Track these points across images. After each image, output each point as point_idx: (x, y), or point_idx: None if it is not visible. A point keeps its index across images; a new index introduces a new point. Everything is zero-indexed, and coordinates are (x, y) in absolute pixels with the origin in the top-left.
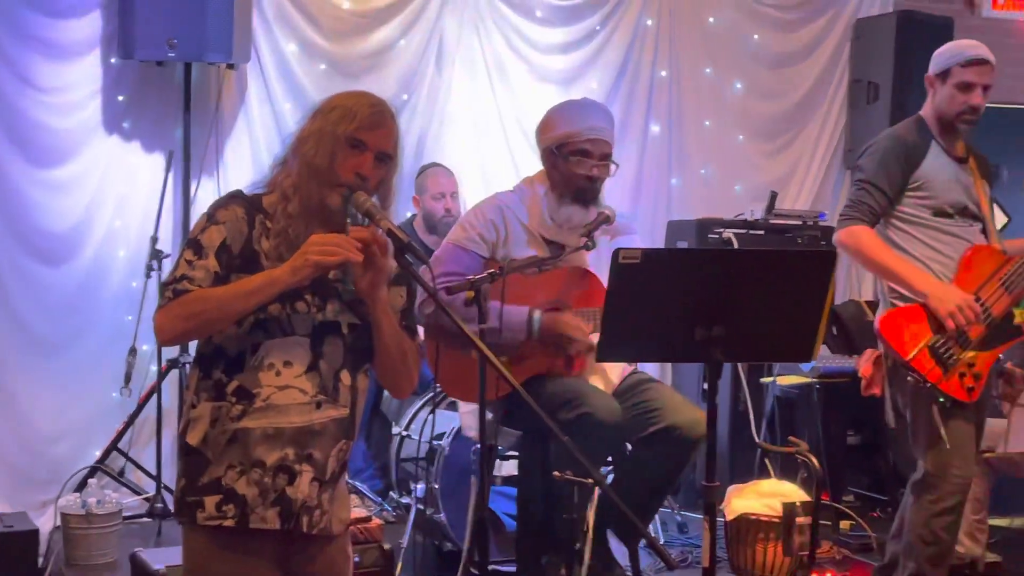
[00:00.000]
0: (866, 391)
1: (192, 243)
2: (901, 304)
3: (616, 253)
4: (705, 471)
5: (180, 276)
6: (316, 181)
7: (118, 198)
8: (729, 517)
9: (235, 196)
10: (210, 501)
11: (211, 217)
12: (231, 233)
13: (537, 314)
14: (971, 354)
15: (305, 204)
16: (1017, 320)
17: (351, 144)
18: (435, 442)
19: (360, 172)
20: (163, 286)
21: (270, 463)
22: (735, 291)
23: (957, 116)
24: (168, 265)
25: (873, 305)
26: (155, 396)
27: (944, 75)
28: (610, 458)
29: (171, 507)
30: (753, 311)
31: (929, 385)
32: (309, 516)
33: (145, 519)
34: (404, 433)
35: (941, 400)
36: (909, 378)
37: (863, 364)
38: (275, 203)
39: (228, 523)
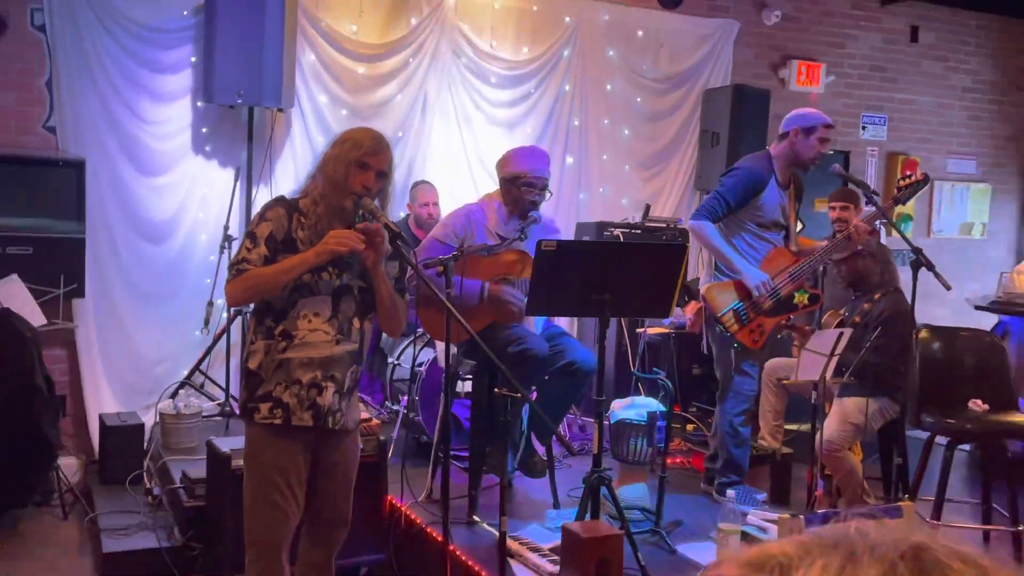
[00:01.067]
0: (689, 330)
1: (250, 235)
2: (723, 278)
3: (539, 243)
4: (596, 390)
5: (241, 259)
6: (336, 191)
7: (201, 199)
8: (612, 421)
9: (279, 200)
10: (264, 407)
11: (262, 216)
12: (276, 227)
13: (487, 285)
14: (761, 318)
15: (328, 207)
16: (796, 300)
17: (359, 165)
18: (417, 368)
19: (366, 185)
20: (230, 266)
21: (305, 381)
22: (620, 270)
23: (812, 159)
24: (235, 247)
25: None
26: (225, 335)
27: (810, 131)
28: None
29: (236, 410)
30: (631, 283)
31: (729, 334)
32: (332, 417)
33: (217, 418)
34: (395, 362)
35: (736, 346)
36: (717, 328)
37: (688, 311)
38: (308, 206)
39: (277, 421)
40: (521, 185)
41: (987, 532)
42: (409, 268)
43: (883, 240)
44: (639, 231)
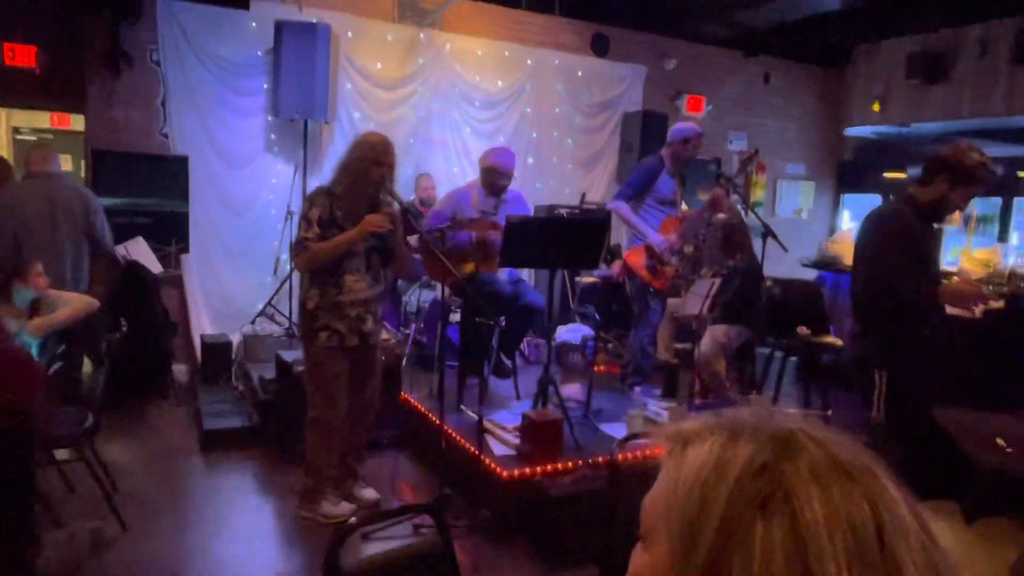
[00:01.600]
0: (615, 280)
1: (305, 218)
2: (637, 243)
3: (508, 217)
4: (547, 320)
5: (302, 238)
6: (360, 181)
7: (270, 185)
8: (557, 341)
9: (321, 191)
10: (323, 334)
11: (312, 203)
12: (322, 211)
13: (474, 234)
14: (664, 268)
15: (356, 193)
16: (685, 250)
17: (375, 163)
18: (422, 303)
19: (381, 174)
20: (295, 244)
21: (353, 315)
22: (564, 236)
23: (690, 158)
24: (294, 219)
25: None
26: (288, 281)
27: (686, 140)
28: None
29: (297, 334)
30: (570, 244)
31: (645, 283)
32: (371, 337)
33: (283, 338)
34: (407, 299)
35: (651, 290)
36: (636, 278)
37: (615, 267)
38: (341, 192)
39: (333, 344)
40: (495, 173)
41: (805, 416)
42: (418, 233)
43: (744, 219)
44: (577, 211)
